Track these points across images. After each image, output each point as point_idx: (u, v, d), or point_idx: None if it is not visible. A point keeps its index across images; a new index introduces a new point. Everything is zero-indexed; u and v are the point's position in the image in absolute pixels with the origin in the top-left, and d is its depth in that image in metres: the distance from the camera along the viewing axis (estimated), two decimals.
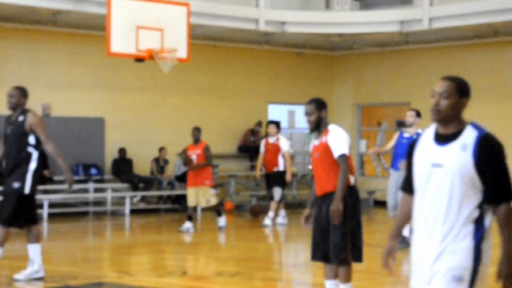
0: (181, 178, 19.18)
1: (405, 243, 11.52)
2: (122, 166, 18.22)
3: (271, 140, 15.26)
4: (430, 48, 20.44)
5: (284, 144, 15.16)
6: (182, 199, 18.83)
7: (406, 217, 4.22)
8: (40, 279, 8.56)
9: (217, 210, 14.57)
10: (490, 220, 3.95)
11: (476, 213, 3.92)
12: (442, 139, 4.02)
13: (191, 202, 14.13)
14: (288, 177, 15.07)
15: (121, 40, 14.32)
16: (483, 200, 3.92)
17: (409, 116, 11.88)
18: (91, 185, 17.67)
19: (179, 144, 19.55)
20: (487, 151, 3.90)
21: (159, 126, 19.07)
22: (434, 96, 4.05)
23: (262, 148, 15.49)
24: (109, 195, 17.70)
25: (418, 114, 11.95)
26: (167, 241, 13.62)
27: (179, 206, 18.69)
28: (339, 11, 19.45)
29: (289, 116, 22.59)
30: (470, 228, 3.90)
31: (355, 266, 6.85)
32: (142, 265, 11.03)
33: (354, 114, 22.23)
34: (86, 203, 17.90)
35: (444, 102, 4.01)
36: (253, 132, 20.28)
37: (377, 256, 11.69)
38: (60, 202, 17.20)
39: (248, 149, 20.11)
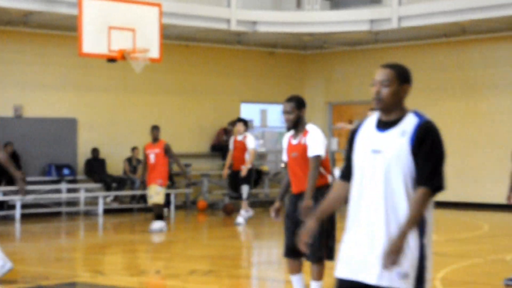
0: None
1: None
2: (95, 166, 18.11)
3: (239, 138, 15.28)
4: (400, 46, 20.54)
5: (251, 142, 15.16)
6: None
7: (336, 203, 4.13)
8: (11, 271, 8.25)
9: (158, 212, 13.93)
10: (431, 214, 3.89)
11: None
12: (383, 125, 3.95)
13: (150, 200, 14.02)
14: (244, 173, 14.97)
15: (93, 41, 14.22)
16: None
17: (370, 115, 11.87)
18: (63, 186, 17.53)
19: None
20: (424, 137, 3.83)
21: (131, 126, 18.96)
22: (375, 85, 3.97)
23: (231, 146, 15.50)
24: (82, 195, 17.58)
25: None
26: (140, 241, 13.54)
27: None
28: (309, 10, 19.48)
29: (261, 114, 22.59)
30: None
31: (328, 262, 6.85)
32: (115, 265, 10.96)
33: (326, 112, 22.27)
34: (59, 204, 17.75)
35: (385, 90, 3.93)
36: (226, 131, 20.24)
37: None
38: (33, 203, 17.04)
39: (221, 148, 20.05)
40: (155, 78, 19.07)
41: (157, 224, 13.94)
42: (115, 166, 18.50)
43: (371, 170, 3.87)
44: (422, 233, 3.84)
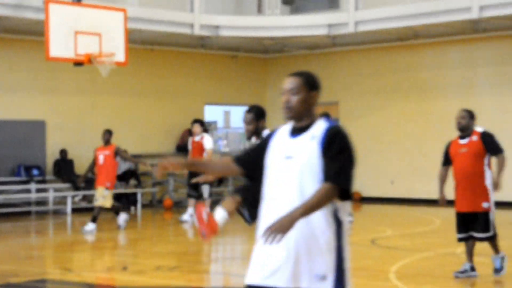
0: (121, 177, 19.08)
1: None
2: (63, 167, 18.03)
3: (196, 138, 15.38)
4: (357, 50, 20.76)
5: (208, 142, 15.23)
6: (122, 197, 18.73)
7: (219, 167, 4.07)
8: None
9: (94, 216, 13.75)
10: (347, 216, 3.80)
11: (331, 208, 3.72)
12: (295, 132, 3.86)
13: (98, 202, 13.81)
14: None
15: (59, 45, 14.16)
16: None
17: None
18: (33, 186, 17.43)
19: (119, 145, 19.45)
20: (332, 140, 3.73)
21: (99, 128, 18.83)
22: (283, 94, 3.87)
23: (189, 146, 15.58)
24: (51, 195, 17.49)
25: (326, 116, 11.86)
26: (107, 238, 13.54)
27: (119, 204, 18.58)
28: (270, 15, 19.60)
29: (224, 116, 22.65)
30: (327, 222, 3.71)
31: None
32: (83, 262, 10.96)
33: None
34: (28, 203, 17.64)
35: (294, 98, 3.84)
36: (191, 132, 20.26)
37: None
38: (3, 203, 16.92)
39: (186, 148, 20.02)
40: (121, 81, 19.04)
41: (122, 217, 13.92)
42: (83, 166, 18.39)
43: (283, 175, 3.76)
44: (338, 235, 3.73)
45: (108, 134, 13.97)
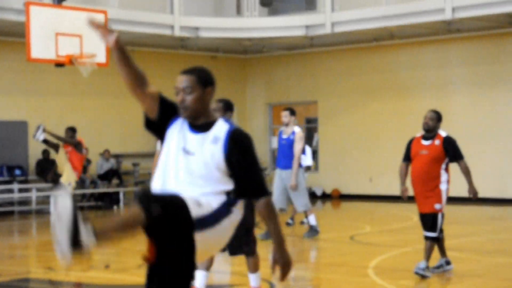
0: (104, 177, 18.92)
1: (313, 231, 11.64)
2: (46, 167, 17.85)
3: None
4: (334, 50, 20.74)
5: None
6: (105, 196, 18.56)
7: (139, 78, 3.79)
8: None
9: None
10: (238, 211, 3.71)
11: (224, 205, 3.64)
12: (195, 127, 3.70)
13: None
14: None
15: (40, 47, 13.99)
16: (236, 193, 3.65)
17: (284, 116, 11.47)
18: (15, 186, 17.24)
19: (101, 145, 19.26)
20: (237, 145, 3.61)
21: (81, 128, 18.64)
22: (178, 94, 3.69)
23: (158, 147, 15.41)
24: (33, 195, 17.31)
25: (292, 113, 11.55)
26: None
27: (102, 204, 18.45)
28: (249, 17, 19.53)
29: None
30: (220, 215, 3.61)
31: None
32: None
33: (266, 113, 22.36)
34: (11, 203, 17.45)
35: (189, 97, 3.67)
36: None
37: (292, 244, 11.83)
38: None
39: None
40: (103, 82, 18.87)
41: None
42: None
43: (181, 169, 3.63)
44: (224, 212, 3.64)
45: (71, 132, 13.70)
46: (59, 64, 14.68)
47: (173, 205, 3.43)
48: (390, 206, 17.71)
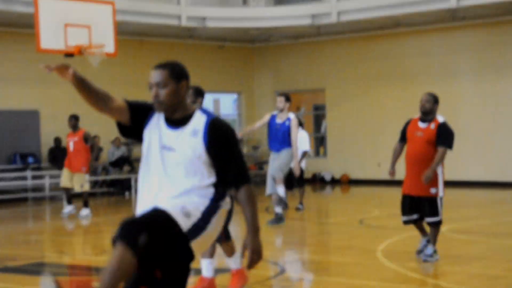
0: (115, 164, 18.94)
1: (278, 219, 11.31)
2: (58, 154, 17.87)
3: None
4: (340, 39, 20.66)
5: None
6: (117, 183, 18.59)
7: (105, 100, 3.86)
8: None
9: (85, 200, 13.53)
10: (225, 202, 3.64)
11: (212, 202, 3.56)
12: (172, 122, 3.62)
13: (63, 183, 13.46)
14: None
15: (50, 37, 13.99)
16: (220, 184, 3.58)
17: (279, 102, 11.28)
18: (29, 173, 17.28)
19: (112, 133, 19.26)
20: (217, 135, 3.53)
21: (92, 116, 18.56)
22: (151, 88, 3.63)
23: None
24: (47, 181, 17.38)
25: (287, 99, 11.36)
26: (103, 222, 13.41)
27: (114, 190, 18.50)
28: (255, 7, 19.47)
29: (214, 104, 22.53)
30: (203, 210, 3.52)
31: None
32: (80, 245, 10.83)
33: (274, 101, 22.28)
34: (25, 190, 17.50)
35: (162, 92, 3.59)
36: None
37: (302, 228, 11.81)
38: (0, 190, 16.77)
39: None
40: (112, 72, 18.84)
41: (85, 211, 13.49)
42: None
43: (163, 166, 3.55)
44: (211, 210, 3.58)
45: (74, 120, 13.55)
46: (68, 54, 14.67)
47: (159, 226, 3.34)
48: (399, 190, 17.64)
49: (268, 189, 11.19)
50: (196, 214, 3.49)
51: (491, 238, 9.90)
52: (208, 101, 22.11)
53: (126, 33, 18.26)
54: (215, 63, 21.43)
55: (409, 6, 17.41)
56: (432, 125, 7.92)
